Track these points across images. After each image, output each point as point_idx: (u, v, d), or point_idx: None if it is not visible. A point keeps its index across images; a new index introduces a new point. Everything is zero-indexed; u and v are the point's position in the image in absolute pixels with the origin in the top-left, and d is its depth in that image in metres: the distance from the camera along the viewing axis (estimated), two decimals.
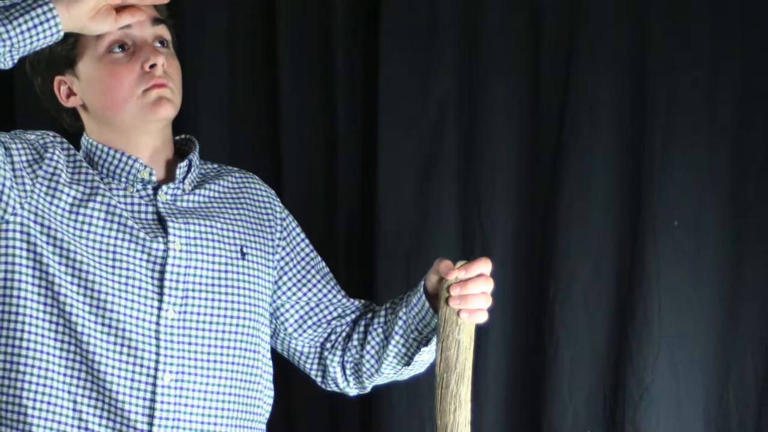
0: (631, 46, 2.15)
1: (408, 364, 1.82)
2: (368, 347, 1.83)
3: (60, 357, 1.68)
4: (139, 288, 1.70)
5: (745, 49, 2.12)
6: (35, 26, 1.59)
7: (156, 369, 1.69)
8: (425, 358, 1.82)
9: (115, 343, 1.68)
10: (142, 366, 1.68)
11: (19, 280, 1.68)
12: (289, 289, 1.86)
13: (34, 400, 1.67)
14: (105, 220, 1.70)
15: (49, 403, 1.67)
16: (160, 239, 1.72)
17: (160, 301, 1.71)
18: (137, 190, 1.75)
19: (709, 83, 2.12)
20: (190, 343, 1.71)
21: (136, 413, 1.67)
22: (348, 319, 1.87)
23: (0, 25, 1.57)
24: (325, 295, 1.87)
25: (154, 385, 1.68)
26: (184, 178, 1.79)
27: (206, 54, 2.31)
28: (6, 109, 2.40)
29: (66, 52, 1.74)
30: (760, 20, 2.11)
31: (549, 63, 2.19)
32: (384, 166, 2.23)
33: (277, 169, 2.29)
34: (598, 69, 2.15)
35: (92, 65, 1.73)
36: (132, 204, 1.74)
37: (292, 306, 1.85)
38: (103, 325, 1.68)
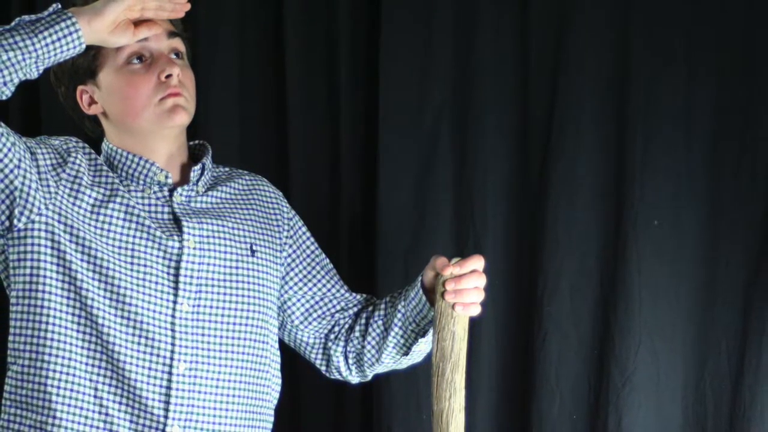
0: (613, 58, 2.15)
1: (406, 353, 1.82)
2: (369, 338, 1.83)
3: (82, 347, 1.68)
4: (156, 283, 1.69)
5: (719, 61, 2.12)
6: (59, 39, 1.59)
7: (171, 358, 1.69)
8: (422, 348, 1.81)
9: (133, 335, 1.68)
10: (158, 356, 1.68)
11: (44, 276, 1.67)
12: (295, 284, 1.85)
13: (58, 387, 1.67)
14: (124, 219, 1.70)
15: (72, 390, 1.67)
16: (176, 238, 1.72)
17: (176, 295, 1.70)
18: (154, 192, 1.75)
19: (685, 92, 2.12)
20: (203, 335, 1.71)
21: (153, 399, 1.67)
22: (350, 312, 1.87)
23: (27, 38, 1.57)
24: (329, 290, 1.87)
25: (170, 373, 1.68)
26: (197, 181, 1.78)
27: (218, 65, 2.31)
28: (32, 116, 2.40)
29: (88, 64, 1.74)
30: (733, 34, 2.11)
31: (537, 74, 2.18)
32: (384, 170, 2.22)
33: (284, 172, 2.28)
34: (582, 79, 2.14)
35: (112, 75, 1.73)
36: (149, 205, 1.74)
37: (299, 300, 1.85)
38: (122, 317, 1.68)
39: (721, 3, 2.11)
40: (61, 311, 1.68)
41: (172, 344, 1.69)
